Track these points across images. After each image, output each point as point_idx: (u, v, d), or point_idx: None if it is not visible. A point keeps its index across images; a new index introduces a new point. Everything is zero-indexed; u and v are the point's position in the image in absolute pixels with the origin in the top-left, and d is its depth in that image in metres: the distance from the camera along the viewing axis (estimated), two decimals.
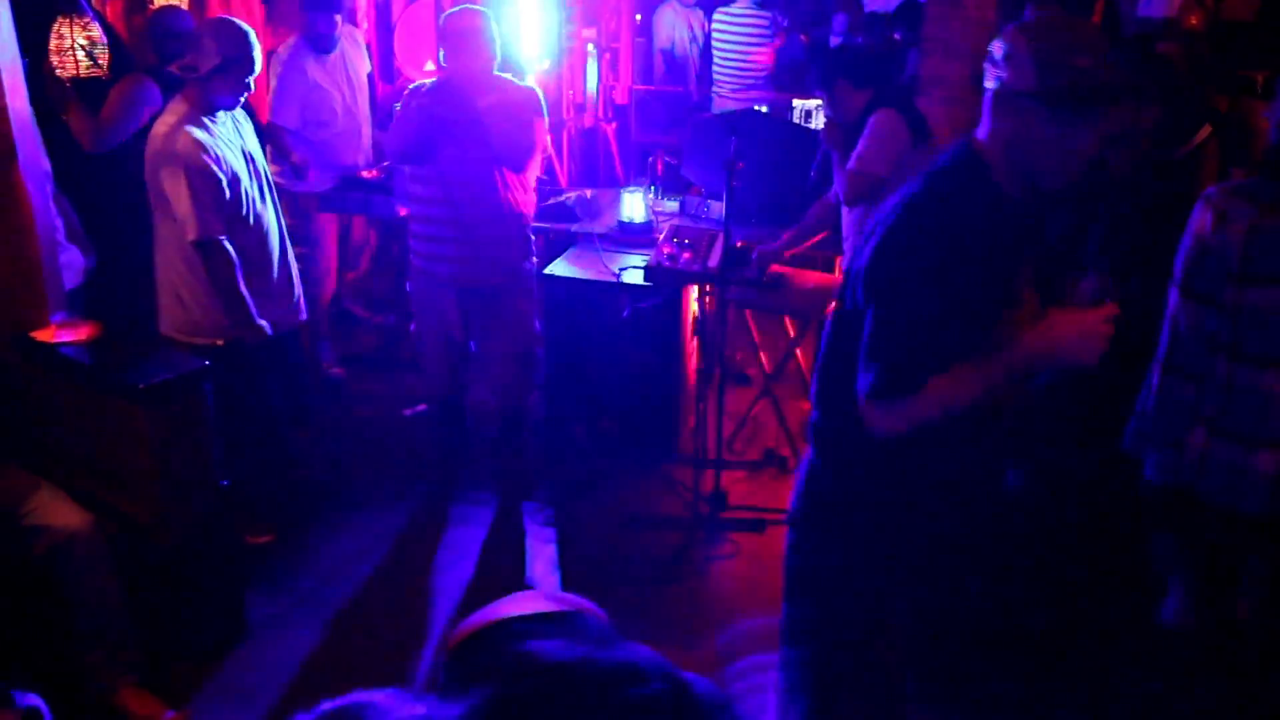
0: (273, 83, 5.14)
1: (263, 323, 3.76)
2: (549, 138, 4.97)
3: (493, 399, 4.58)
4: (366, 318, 6.09)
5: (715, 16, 7.70)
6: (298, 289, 4.06)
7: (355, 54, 5.39)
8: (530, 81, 4.69)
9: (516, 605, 1.07)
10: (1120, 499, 2.79)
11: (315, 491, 4.45)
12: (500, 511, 4.39)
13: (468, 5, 4.06)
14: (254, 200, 3.77)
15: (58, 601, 3.03)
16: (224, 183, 3.59)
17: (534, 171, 4.27)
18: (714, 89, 7.68)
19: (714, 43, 7.71)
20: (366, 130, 5.40)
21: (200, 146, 3.54)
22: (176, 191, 3.54)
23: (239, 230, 3.69)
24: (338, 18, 5.14)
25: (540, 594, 1.11)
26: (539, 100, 4.09)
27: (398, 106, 4.26)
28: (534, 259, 4.38)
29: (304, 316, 4.17)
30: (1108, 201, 3.20)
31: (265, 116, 5.07)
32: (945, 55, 6.00)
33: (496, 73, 4.04)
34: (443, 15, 4.15)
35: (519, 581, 3.97)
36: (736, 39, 7.75)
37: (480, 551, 4.13)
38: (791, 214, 4.64)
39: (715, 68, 7.69)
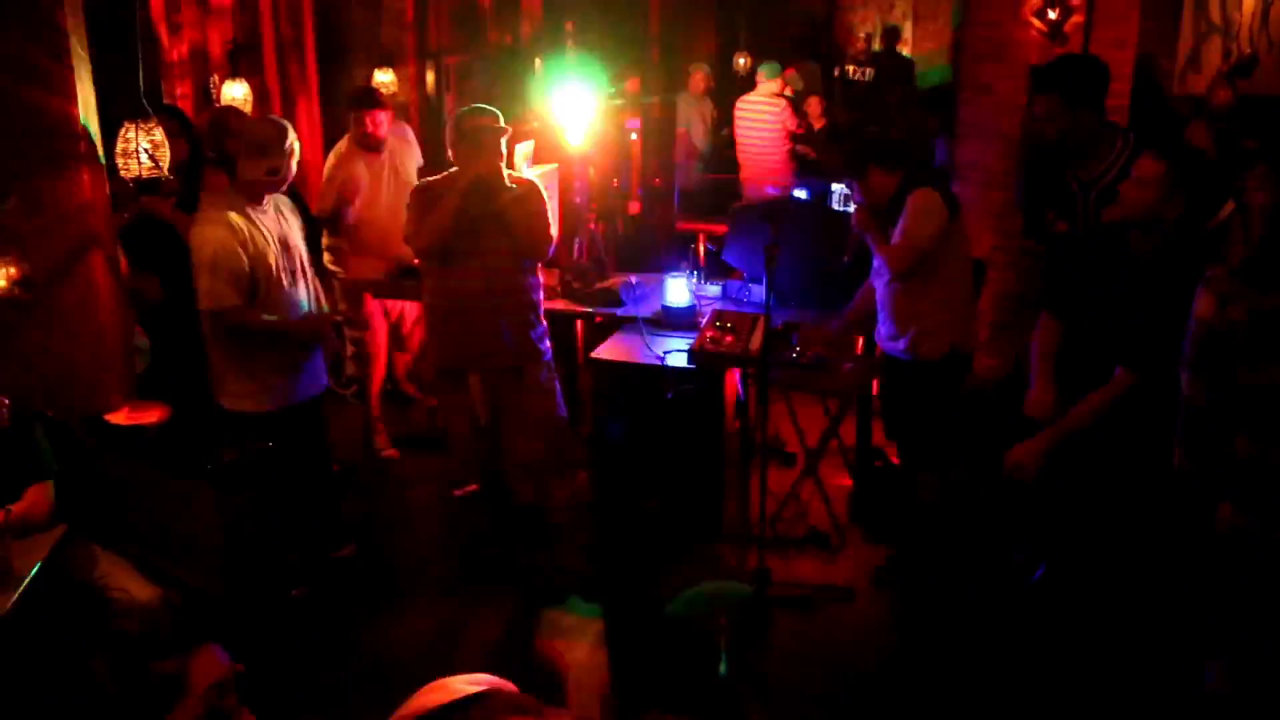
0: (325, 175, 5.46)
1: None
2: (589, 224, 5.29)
3: (521, 486, 4.69)
4: (419, 399, 6.26)
5: (737, 105, 7.95)
6: (319, 362, 4.33)
7: (403, 149, 5.70)
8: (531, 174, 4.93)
9: (428, 698, 1.16)
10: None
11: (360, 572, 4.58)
12: (516, 610, 4.35)
13: (479, 105, 4.36)
14: (280, 281, 4.04)
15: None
16: (245, 262, 3.88)
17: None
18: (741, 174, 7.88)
19: (736, 130, 7.94)
20: None
21: (228, 227, 3.87)
22: (198, 262, 3.88)
23: (262, 305, 3.97)
24: (381, 117, 5.46)
25: (452, 682, 1.19)
26: (543, 192, 4.46)
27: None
28: (548, 341, 4.63)
29: (324, 382, 4.40)
30: (1131, 281, 3.30)
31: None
32: (979, 139, 6.17)
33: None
34: (458, 114, 4.41)
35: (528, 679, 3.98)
36: (754, 126, 7.97)
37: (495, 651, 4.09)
38: (830, 297, 4.77)
39: (740, 154, 7.92)
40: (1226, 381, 2.43)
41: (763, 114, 8.03)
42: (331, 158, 5.50)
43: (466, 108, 4.38)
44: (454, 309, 4.41)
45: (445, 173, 4.42)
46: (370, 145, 5.47)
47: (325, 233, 5.43)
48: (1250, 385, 2.39)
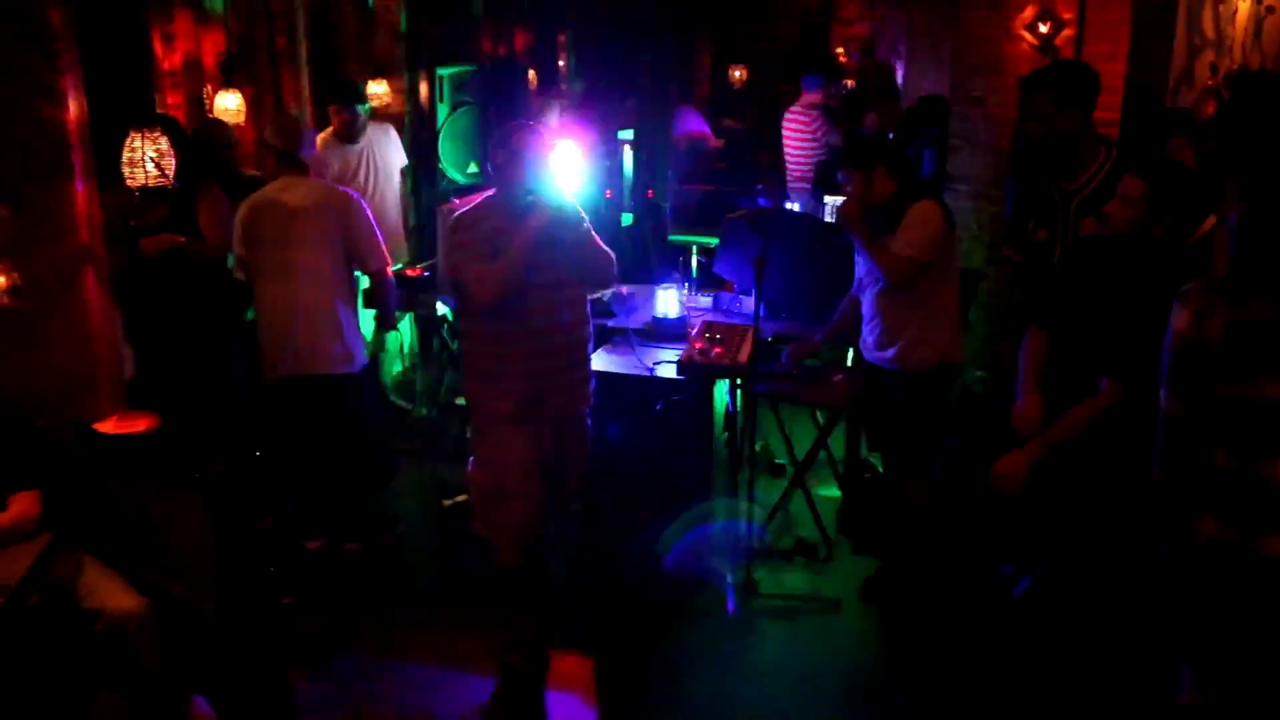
0: None
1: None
2: None
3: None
4: (407, 411, 6.26)
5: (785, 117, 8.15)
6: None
7: (383, 141, 5.88)
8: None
9: None
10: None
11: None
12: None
13: (526, 120, 3.96)
14: None
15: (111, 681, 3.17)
16: None
17: None
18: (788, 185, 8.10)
19: (784, 141, 8.14)
20: (394, 216, 5.78)
21: None
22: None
23: None
24: (360, 111, 5.70)
25: None
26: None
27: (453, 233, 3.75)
28: None
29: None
30: (1118, 295, 3.33)
31: None
32: (971, 152, 6.20)
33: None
34: (506, 128, 3.77)
35: None
36: (793, 137, 8.19)
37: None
38: (822, 310, 4.78)
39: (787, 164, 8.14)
40: (1204, 395, 2.45)
41: (799, 125, 8.21)
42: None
43: (521, 121, 3.84)
44: (513, 353, 3.68)
45: (476, 196, 3.94)
46: (346, 138, 5.76)
47: None
48: (1227, 398, 2.41)
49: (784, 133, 8.31)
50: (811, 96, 8.24)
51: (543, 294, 3.66)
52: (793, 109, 8.29)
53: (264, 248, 4.42)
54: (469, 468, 3.88)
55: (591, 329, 3.95)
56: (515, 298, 3.57)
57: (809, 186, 7.88)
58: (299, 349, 4.44)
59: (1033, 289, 4.07)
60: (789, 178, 8.30)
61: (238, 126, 6.32)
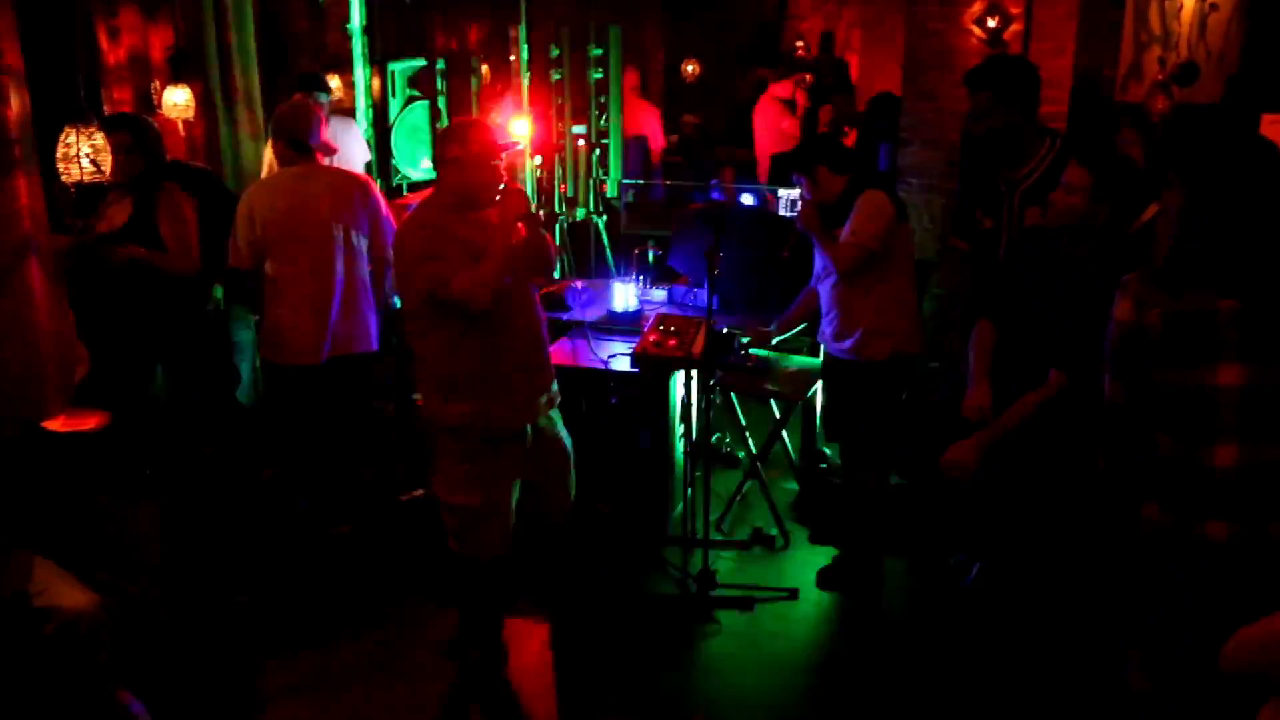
0: None
1: None
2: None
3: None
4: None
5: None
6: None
7: (347, 139, 5.95)
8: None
9: None
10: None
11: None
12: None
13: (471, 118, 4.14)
14: None
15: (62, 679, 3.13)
16: None
17: None
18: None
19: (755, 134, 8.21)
20: None
21: None
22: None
23: None
24: (323, 100, 5.73)
25: None
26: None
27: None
28: None
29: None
30: (1064, 285, 3.38)
31: None
32: (922, 145, 6.27)
33: None
34: (454, 125, 3.92)
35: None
36: (760, 126, 8.25)
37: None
38: (775, 302, 4.81)
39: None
40: (1144, 383, 2.49)
41: (763, 115, 8.26)
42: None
43: (463, 119, 4.01)
44: (493, 370, 3.54)
45: (428, 194, 3.76)
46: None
47: None
48: (1167, 385, 2.46)
49: (755, 125, 8.33)
50: (777, 89, 8.29)
51: (519, 290, 3.57)
52: (763, 100, 8.32)
53: (287, 234, 4.44)
54: (440, 492, 3.68)
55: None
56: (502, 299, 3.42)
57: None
58: (337, 331, 4.54)
59: (980, 278, 4.13)
60: (763, 168, 8.35)
61: (186, 122, 6.27)
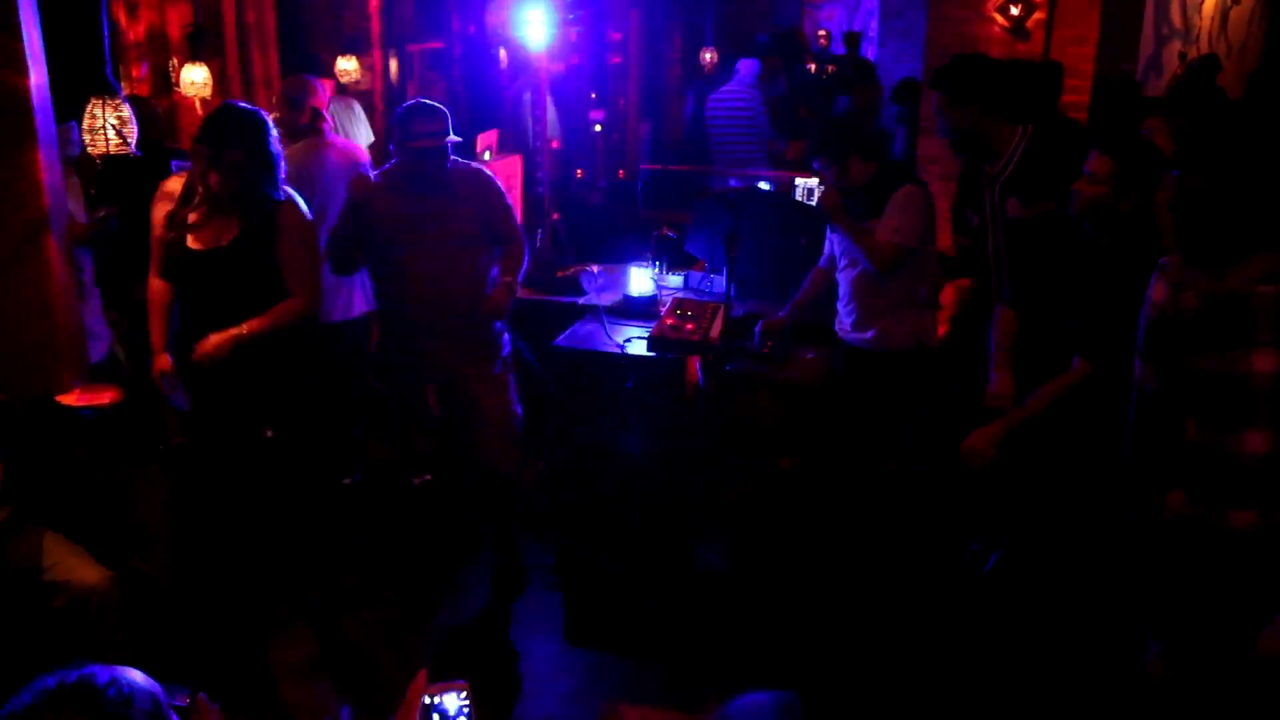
0: None
1: None
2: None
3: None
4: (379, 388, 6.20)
5: (710, 99, 8.02)
6: None
7: (349, 121, 5.97)
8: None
9: None
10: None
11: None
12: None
13: (423, 98, 4.25)
14: None
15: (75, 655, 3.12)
16: None
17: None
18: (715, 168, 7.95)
19: (709, 124, 8.00)
20: None
21: None
22: None
23: None
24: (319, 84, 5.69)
25: None
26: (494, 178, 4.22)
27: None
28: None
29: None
30: (1089, 273, 3.34)
31: None
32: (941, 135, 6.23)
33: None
34: (404, 107, 4.00)
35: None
36: (729, 119, 8.08)
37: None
38: (791, 289, 4.78)
39: (714, 147, 7.97)
40: (1176, 367, 2.46)
41: (736, 105, 8.12)
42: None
43: (415, 101, 4.04)
44: (414, 316, 4.18)
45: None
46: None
47: None
48: (1198, 370, 2.43)
49: (715, 114, 8.14)
50: (748, 78, 8.15)
51: (433, 258, 4.06)
52: (726, 89, 8.16)
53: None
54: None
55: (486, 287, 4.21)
56: (415, 261, 4.05)
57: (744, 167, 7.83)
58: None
59: (982, 272, 4.11)
60: (721, 160, 8.16)
61: (203, 100, 6.26)
